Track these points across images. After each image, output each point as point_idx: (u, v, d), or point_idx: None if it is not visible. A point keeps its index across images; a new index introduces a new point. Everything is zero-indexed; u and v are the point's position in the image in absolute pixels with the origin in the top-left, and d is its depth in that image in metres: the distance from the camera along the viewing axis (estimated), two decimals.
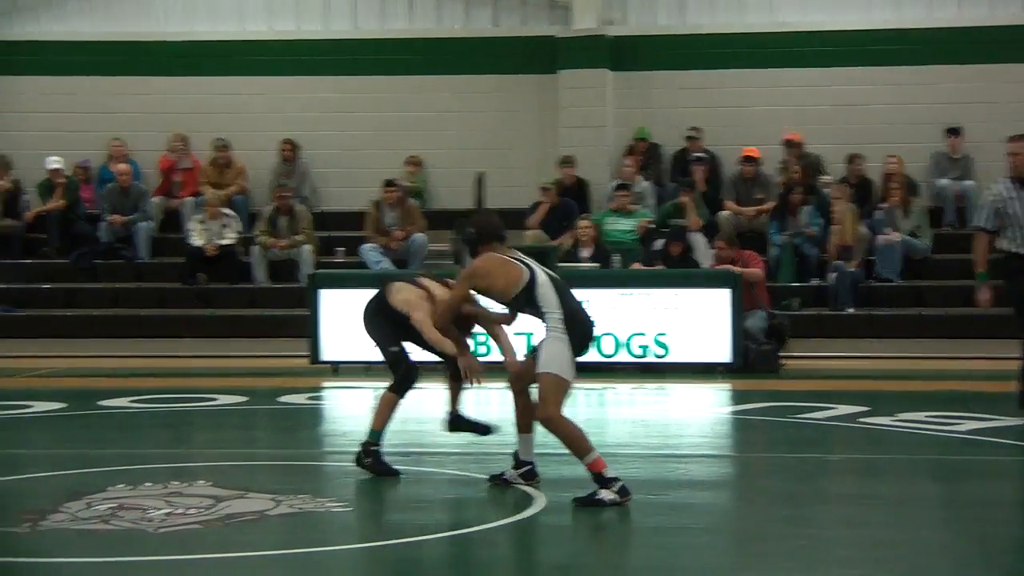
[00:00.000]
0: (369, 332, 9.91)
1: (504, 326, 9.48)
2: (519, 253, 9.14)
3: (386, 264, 19.20)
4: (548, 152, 20.79)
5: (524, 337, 13.12)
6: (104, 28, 21.94)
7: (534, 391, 8.99)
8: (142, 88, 21.71)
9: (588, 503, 8.62)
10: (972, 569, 7.50)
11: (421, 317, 9.52)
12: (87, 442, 11.88)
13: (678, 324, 16.17)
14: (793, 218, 18.99)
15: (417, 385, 9.81)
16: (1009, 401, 12.78)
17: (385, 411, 9.78)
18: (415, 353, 9.81)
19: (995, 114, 20.13)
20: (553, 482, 9.37)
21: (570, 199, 19.72)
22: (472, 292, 9.22)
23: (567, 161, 20.16)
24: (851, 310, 18.29)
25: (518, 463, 9.35)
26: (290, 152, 21.18)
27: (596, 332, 9.11)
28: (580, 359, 8.90)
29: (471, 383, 9.53)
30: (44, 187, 20.89)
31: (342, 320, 16.49)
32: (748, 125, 20.70)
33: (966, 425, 12.07)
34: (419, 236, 19.54)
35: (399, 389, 9.76)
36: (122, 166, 20.80)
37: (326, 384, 15.86)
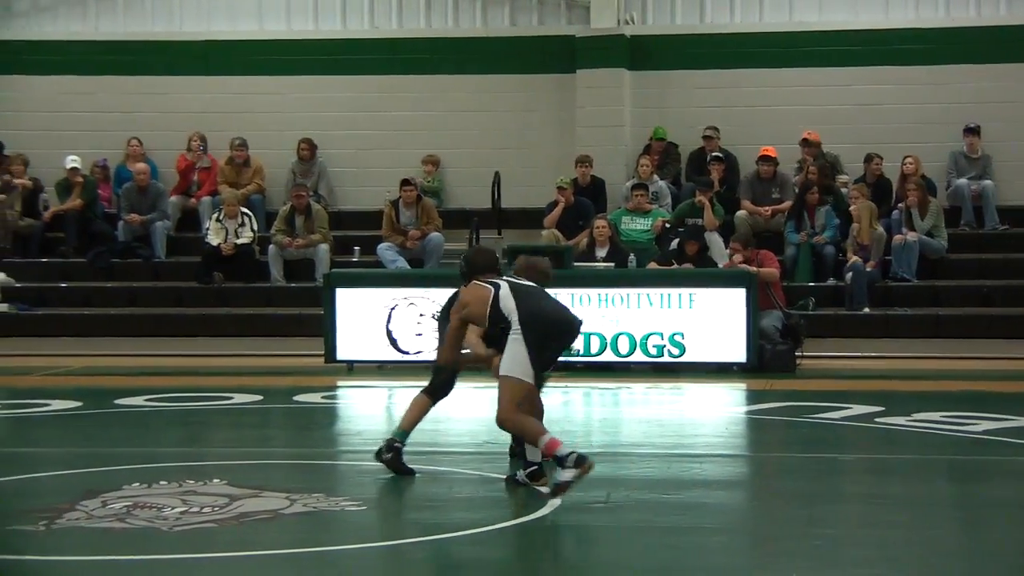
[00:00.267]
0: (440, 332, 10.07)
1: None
2: (503, 276, 9.34)
3: (402, 263, 19.22)
4: (565, 151, 20.78)
5: None
6: (122, 28, 22.02)
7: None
8: (160, 87, 21.77)
9: (557, 489, 8.78)
10: (987, 570, 7.48)
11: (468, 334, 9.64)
12: (103, 441, 11.91)
13: (693, 324, 16.16)
14: (810, 218, 18.97)
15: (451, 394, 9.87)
16: None
17: (416, 413, 9.84)
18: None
19: (1014, 113, 20.10)
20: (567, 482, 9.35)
21: (586, 198, 19.71)
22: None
23: (584, 160, 20.15)
24: (867, 310, 18.26)
25: (525, 464, 9.39)
26: (307, 151, 21.21)
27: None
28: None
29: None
30: (62, 186, 20.94)
31: (358, 319, 16.55)
32: (765, 124, 20.67)
33: (982, 425, 12.05)
34: (435, 235, 19.54)
35: (434, 394, 9.84)
36: (140, 165, 20.85)
37: (341, 383, 15.88)
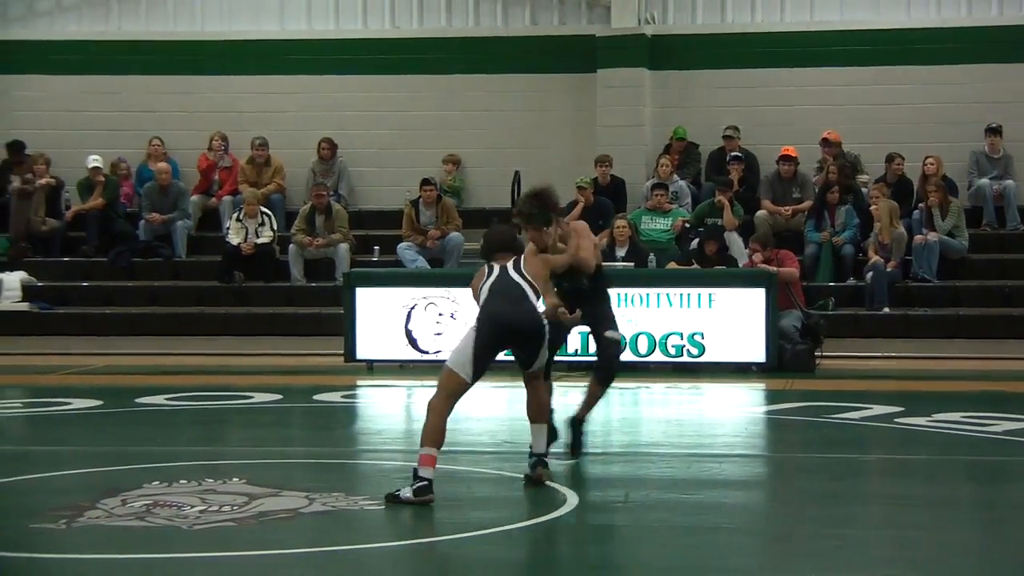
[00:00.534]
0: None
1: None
2: (508, 262, 9.30)
3: (422, 263, 19.23)
4: (585, 151, 20.76)
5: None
6: (144, 28, 22.07)
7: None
8: (182, 87, 21.81)
9: (391, 499, 8.74)
10: (1007, 571, 7.47)
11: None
12: (123, 439, 11.95)
13: (713, 324, 16.15)
14: (830, 218, 18.94)
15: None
16: None
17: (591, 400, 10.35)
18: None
19: None
20: (585, 481, 9.38)
21: (606, 198, 19.71)
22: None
23: (603, 160, 20.15)
24: (887, 310, 18.21)
25: (531, 454, 9.40)
26: (328, 151, 21.24)
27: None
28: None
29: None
30: (83, 185, 21.00)
31: (377, 319, 16.58)
32: (786, 124, 20.63)
33: (1002, 426, 12.02)
34: (455, 235, 19.55)
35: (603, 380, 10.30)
36: (161, 165, 20.90)
37: (361, 382, 15.90)
